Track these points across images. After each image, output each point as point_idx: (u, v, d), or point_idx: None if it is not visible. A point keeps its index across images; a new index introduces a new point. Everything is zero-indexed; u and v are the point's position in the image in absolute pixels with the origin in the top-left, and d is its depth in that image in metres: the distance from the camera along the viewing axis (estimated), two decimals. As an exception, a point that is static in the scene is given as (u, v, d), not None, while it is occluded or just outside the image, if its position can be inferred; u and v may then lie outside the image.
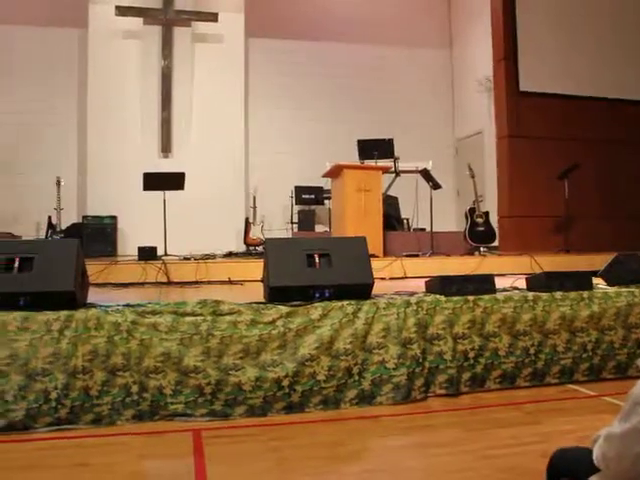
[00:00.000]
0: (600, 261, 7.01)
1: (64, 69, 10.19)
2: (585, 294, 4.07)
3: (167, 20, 10.01)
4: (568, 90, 8.94)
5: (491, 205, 9.04)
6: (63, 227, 8.54)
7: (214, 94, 10.20)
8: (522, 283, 4.38)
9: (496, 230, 7.93)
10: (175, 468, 2.67)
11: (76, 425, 3.03)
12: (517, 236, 8.43)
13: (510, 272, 6.46)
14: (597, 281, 4.49)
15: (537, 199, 8.60)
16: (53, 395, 3.04)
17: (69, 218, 9.16)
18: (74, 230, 8.77)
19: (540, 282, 4.19)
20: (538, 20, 8.99)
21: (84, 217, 9.24)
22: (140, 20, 9.97)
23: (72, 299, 3.30)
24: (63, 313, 3.19)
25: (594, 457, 1.59)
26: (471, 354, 3.67)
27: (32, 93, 10.00)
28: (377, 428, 3.15)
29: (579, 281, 4.20)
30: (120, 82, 9.87)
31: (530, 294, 3.98)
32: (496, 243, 7.99)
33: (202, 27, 10.22)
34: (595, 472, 1.60)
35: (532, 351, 3.78)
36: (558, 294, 4.00)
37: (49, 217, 8.62)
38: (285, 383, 3.27)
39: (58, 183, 8.31)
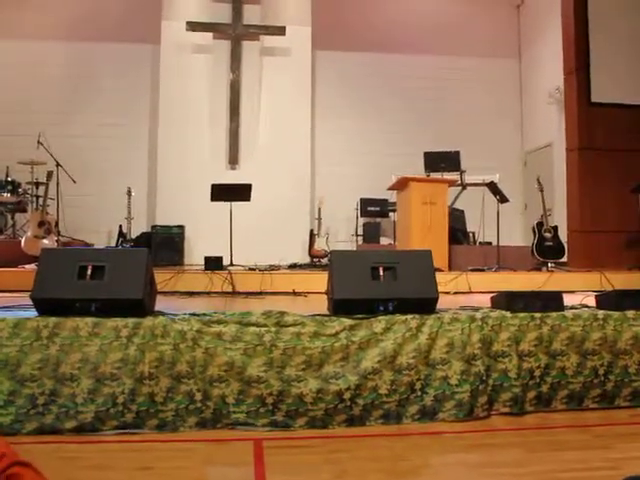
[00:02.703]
0: (676, 279, 6.78)
1: (137, 83, 10.55)
2: (659, 313, 3.91)
3: (236, 34, 10.21)
4: (641, 101, 8.67)
5: (560, 219, 8.84)
6: (133, 236, 8.79)
7: (281, 106, 10.33)
8: (592, 301, 4.25)
9: (565, 245, 7.73)
10: (236, 476, 2.71)
11: (141, 429, 3.10)
12: (587, 252, 8.18)
13: (579, 289, 6.29)
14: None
15: (609, 213, 8.34)
16: (120, 399, 3.12)
17: (139, 227, 9.42)
18: (143, 239, 9.02)
19: (611, 300, 4.04)
20: (610, 30, 8.75)
21: (153, 227, 9.49)
22: (210, 35, 10.22)
23: (140, 307, 3.39)
24: (131, 320, 3.28)
25: None
26: (537, 372, 3.57)
27: (106, 107, 10.39)
28: (438, 445, 3.11)
29: (653, 300, 4.05)
30: (190, 95, 10.12)
31: (600, 312, 3.85)
32: (565, 259, 7.79)
33: (270, 41, 10.37)
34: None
35: (601, 372, 3.65)
36: (630, 313, 3.84)
37: (120, 226, 8.89)
38: (347, 396, 3.26)
39: (129, 193, 8.57)
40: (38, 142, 8.18)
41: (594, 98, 8.68)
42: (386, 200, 9.76)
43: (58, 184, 8.17)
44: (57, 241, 7.59)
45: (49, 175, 7.73)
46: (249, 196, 7.80)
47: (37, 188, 8.39)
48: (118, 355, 3.19)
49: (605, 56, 8.70)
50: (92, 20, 10.34)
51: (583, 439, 3.14)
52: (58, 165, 8.25)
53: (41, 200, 7.91)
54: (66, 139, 9.64)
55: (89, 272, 3.43)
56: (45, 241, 7.28)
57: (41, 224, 7.42)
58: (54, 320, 3.24)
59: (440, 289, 3.84)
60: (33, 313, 3.38)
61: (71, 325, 3.23)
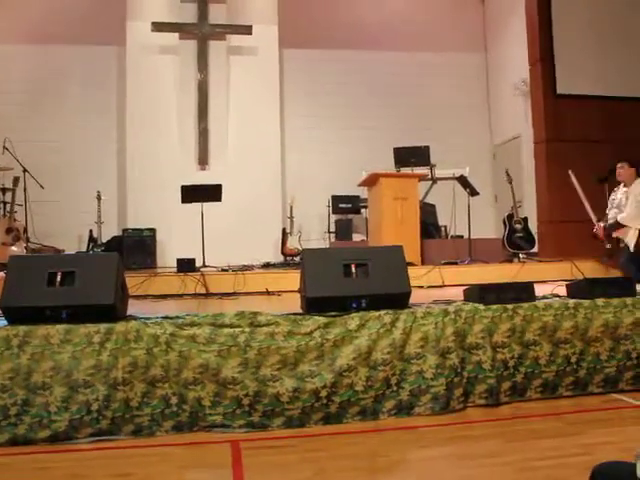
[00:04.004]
0: (644, 266, 6.88)
1: (103, 85, 10.42)
2: (629, 300, 3.95)
3: (202, 34, 10.15)
4: (606, 91, 8.78)
5: (530, 211, 8.93)
6: (104, 240, 8.70)
7: (250, 105, 10.29)
8: (563, 290, 4.30)
9: (535, 236, 7.81)
10: (215, 479, 2.69)
11: (117, 436, 3.07)
12: (557, 242, 8.28)
13: (550, 279, 6.37)
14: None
15: (577, 204, 8.41)
16: (95, 406, 3.08)
17: (110, 231, 9.33)
18: (114, 243, 8.92)
19: (581, 289, 4.10)
20: (574, 21, 8.88)
21: (124, 230, 9.39)
22: (176, 35, 10.13)
23: (112, 312, 3.36)
24: (103, 326, 3.24)
25: (638, 473, 1.55)
26: (511, 363, 3.61)
27: (73, 109, 10.25)
28: (415, 439, 3.13)
29: (622, 287, 4.10)
30: (157, 96, 10.03)
31: (571, 301, 3.90)
32: (535, 249, 7.87)
33: (237, 40, 10.33)
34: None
35: (574, 360, 3.70)
36: (600, 301, 3.90)
37: (90, 230, 8.80)
38: (323, 394, 3.26)
39: (99, 197, 8.48)
40: (4, 147, 8.06)
41: (559, 89, 8.79)
42: (358, 196, 9.79)
43: (25, 190, 8.06)
44: (26, 248, 7.49)
45: (15, 181, 7.62)
46: (220, 196, 7.77)
47: (4, 194, 8.25)
48: (91, 362, 3.15)
49: (569, 48, 8.82)
50: (56, 22, 10.17)
51: (557, 427, 3.19)
52: (25, 171, 8.13)
53: (8, 206, 7.79)
54: (33, 144, 9.50)
55: (59, 278, 3.38)
56: (14, 248, 7.19)
57: (9, 231, 7.32)
58: (24, 329, 3.19)
59: (413, 283, 3.87)
60: (2, 322, 3.33)
61: (42, 333, 3.18)
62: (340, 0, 11.20)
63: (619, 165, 6.78)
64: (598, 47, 8.91)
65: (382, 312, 3.53)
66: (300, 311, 3.71)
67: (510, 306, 3.72)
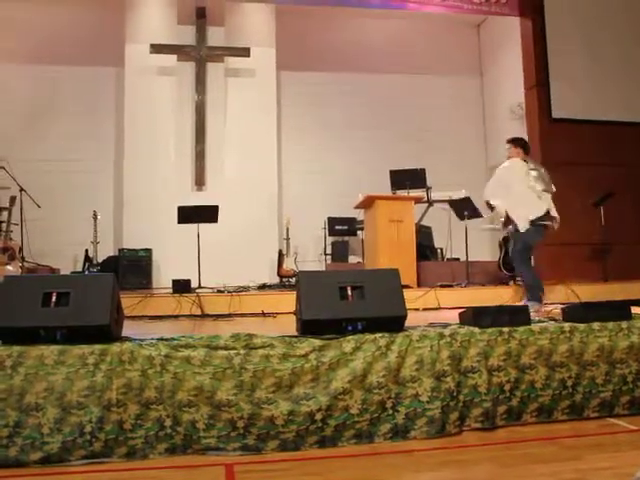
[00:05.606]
0: (639, 289, 6.91)
1: (102, 106, 10.48)
2: (624, 324, 3.95)
3: (200, 56, 10.23)
4: (600, 116, 8.86)
5: (525, 234, 8.93)
6: (100, 260, 8.69)
7: (247, 127, 10.34)
8: (558, 313, 4.30)
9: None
10: (208, 503, 2.67)
11: (110, 458, 3.04)
12: (552, 265, 8.28)
13: (546, 302, 6.36)
14: (636, 310, 4.38)
15: (572, 227, 8.43)
16: (88, 428, 3.05)
17: (106, 251, 9.32)
18: (110, 263, 8.91)
19: (577, 312, 4.10)
20: (569, 46, 8.98)
21: (120, 250, 9.38)
22: (174, 57, 10.21)
23: (107, 333, 3.34)
24: (98, 347, 3.23)
25: None
26: (507, 387, 3.60)
27: (71, 129, 10.29)
28: (411, 463, 3.10)
29: (617, 311, 4.09)
30: (155, 117, 10.08)
31: (566, 325, 3.89)
32: (531, 272, 7.87)
33: (234, 62, 10.41)
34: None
35: (569, 383, 3.69)
36: (596, 325, 3.90)
37: (86, 250, 8.79)
38: (318, 417, 3.24)
39: (95, 217, 8.49)
40: (0, 167, 8.07)
41: (555, 114, 8.86)
42: (354, 218, 9.80)
43: (22, 209, 8.05)
44: (21, 267, 7.47)
45: (12, 200, 7.62)
46: (216, 217, 7.77)
47: (0, 213, 8.26)
48: (85, 383, 3.12)
49: (564, 73, 8.91)
50: (56, 43, 10.27)
51: (553, 451, 3.16)
52: (22, 190, 8.14)
53: (4, 225, 7.78)
54: (30, 163, 9.53)
55: (54, 299, 3.36)
56: (9, 267, 7.16)
57: (4, 250, 7.31)
58: (18, 349, 3.17)
59: (409, 306, 3.85)
60: (-4, 343, 3.31)
61: (36, 354, 3.16)
62: (337, 23, 11.32)
63: (506, 147, 6.79)
64: (593, 72, 9.00)
65: (378, 335, 3.52)
66: (295, 333, 3.69)
67: (506, 329, 3.71)
